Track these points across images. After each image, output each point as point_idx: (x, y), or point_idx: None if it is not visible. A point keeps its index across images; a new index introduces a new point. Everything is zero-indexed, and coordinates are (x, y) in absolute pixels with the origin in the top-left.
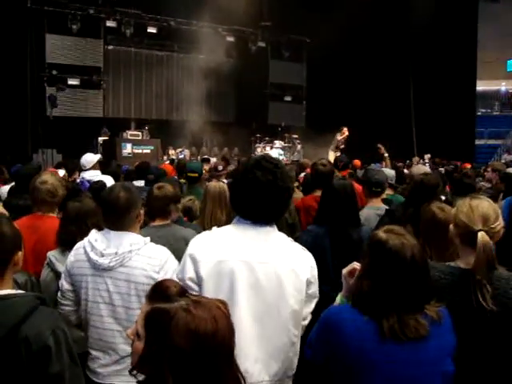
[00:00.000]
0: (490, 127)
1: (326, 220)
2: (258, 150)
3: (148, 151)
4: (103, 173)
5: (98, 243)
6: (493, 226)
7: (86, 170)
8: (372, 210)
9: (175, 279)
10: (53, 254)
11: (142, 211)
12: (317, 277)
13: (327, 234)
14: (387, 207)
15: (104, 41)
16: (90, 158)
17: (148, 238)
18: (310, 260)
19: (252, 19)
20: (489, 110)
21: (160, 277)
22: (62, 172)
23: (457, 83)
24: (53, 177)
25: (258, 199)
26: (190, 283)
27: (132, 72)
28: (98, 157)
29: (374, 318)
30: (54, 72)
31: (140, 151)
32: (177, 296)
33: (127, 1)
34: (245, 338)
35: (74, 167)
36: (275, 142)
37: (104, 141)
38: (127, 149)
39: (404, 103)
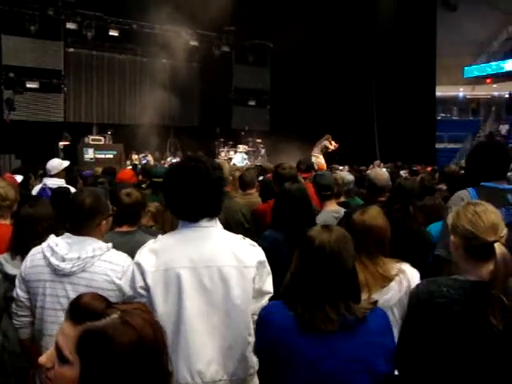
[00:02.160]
0: (449, 131)
1: (282, 224)
2: (222, 154)
3: (111, 156)
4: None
5: (58, 248)
6: (502, 235)
7: (50, 177)
8: (330, 214)
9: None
10: (3, 257)
11: (104, 221)
12: (267, 271)
13: (285, 238)
14: (345, 210)
15: (64, 43)
16: (55, 164)
17: (110, 244)
18: (257, 255)
19: (216, 24)
20: (448, 115)
21: (122, 283)
22: (19, 178)
23: (417, 89)
24: (4, 181)
25: (189, 198)
26: (140, 291)
27: (94, 76)
28: (65, 163)
29: (294, 311)
30: (11, 74)
31: (102, 156)
32: (105, 309)
33: (88, 3)
34: (196, 341)
35: (33, 173)
36: (239, 146)
37: (65, 146)
38: (89, 154)
39: (366, 108)
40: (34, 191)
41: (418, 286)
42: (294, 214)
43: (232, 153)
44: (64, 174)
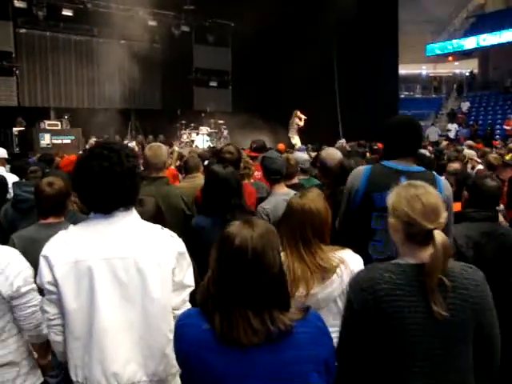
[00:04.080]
0: (412, 109)
1: (211, 210)
2: (184, 136)
3: (68, 141)
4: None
5: None
6: (442, 220)
7: None
8: (279, 197)
9: (19, 286)
10: None
11: None
12: (188, 262)
13: (214, 225)
14: (295, 192)
15: (14, 23)
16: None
17: None
18: (177, 246)
19: (175, 3)
20: (411, 93)
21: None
22: None
23: (380, 67)
24: None
25: (100, 190)
26: (48, 287)
27: (49, 58)
28: (4, 153)
29: (211, 322)
30: None
31: (60, 142)
32: None
33: None
34: (111, 340)
35: None
36: (201, 128)
37: (19, 132)
38: (45, 140)
39: (329, 87)
40: None
41: (358, 273)
42: (222, 199)
43: (194, 135)
44: (4, 162)
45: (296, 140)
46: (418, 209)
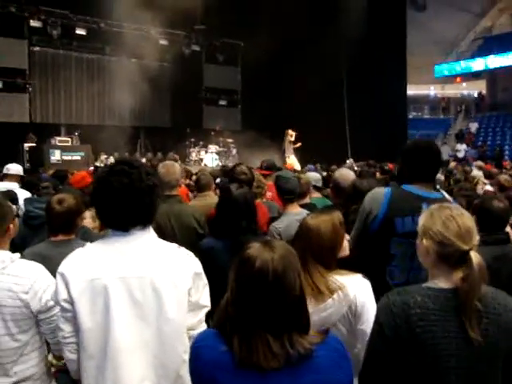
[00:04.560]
0: (421, 130)
1: (223, 232)
2: (193, 154)
3: (78, 158)
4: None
5: None
6: (476, 242)
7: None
8: (291, 217)
9: (47, 300)
10: None
11: (11, 225)
12: (204, 283)
13: (226, 248)
14: (308, 212)
15: (29, 42)
16: (11, 166)
17: (17, 255)
18: (193, 266)
19: (186, 22)
20: (419, 114)
21: (29, 297)
22: None
23: (389, 88)
24: None
25: (119, 207)
26: (64, 304)
27: (61, 75)
28: (19, 170)
29: (229, 345)
30: None
31: (70, 158)
32: None
33: (53, 0)
34: (125, 359)
35: None
36: (210, 146)
37: (30, 147)
38: (56, 156)
39: (338, 107)
40: None
41: (387, 297)
42: (235, 220)
43: (203, 153)
44: (19, 178)
45: (291, 160)
46: (453, 229)
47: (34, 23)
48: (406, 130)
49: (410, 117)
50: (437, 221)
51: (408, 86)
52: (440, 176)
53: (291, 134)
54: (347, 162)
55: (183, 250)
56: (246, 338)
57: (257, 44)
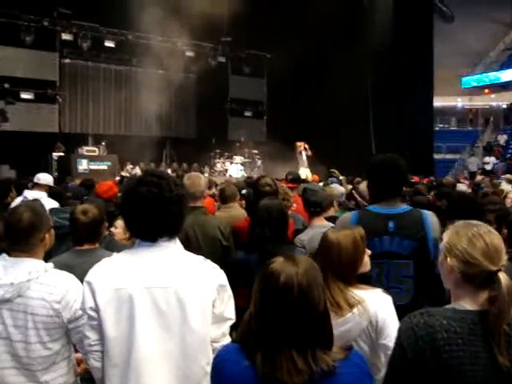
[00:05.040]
0: (447, 142)
1: (256, 245)
2: (218, 165)
3: (105, 167)
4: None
5: None
6: (504, 262)
7: (30, 189)
8: (317, 229)
9: (77, 309)
10: None
11: (47, 235)
12: (228, 295)
13: (259, 261)
14: (333, 225)
15: (60, 54)
16: (42, 176)
17: (50, 265)
18: (218, 278)
19: (212, 34)
20: (446, 126)
21: (61, 307)
22: None
23: (415, 100)
24: None
25: (148, 216)
26: (90, 312)
27: (90, 86)
28: (48, 180)
29: (252, 360)
30: (6, 85)
31: (96, 167)
32: None
33: (84, 14)
34: (148, 368)
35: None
36: (235, 157)
37: (59, 157)
38: (83, 165)
39: (363, 119)
40: (14, 203)
41: (409, 318)
42: (266, 234)
43: (228, 164)
44: (48, 188)
45: (302, 171)
46: (480, 248)
47: (65, 36)
48: (432, 143)
49: (437, 129)
50: (462, 238)
51: (435, 98)
52: (466, 189)
53: (299, 145)
54: None
55: (209, 262)
56: (269, 353)
57: (282, 55)
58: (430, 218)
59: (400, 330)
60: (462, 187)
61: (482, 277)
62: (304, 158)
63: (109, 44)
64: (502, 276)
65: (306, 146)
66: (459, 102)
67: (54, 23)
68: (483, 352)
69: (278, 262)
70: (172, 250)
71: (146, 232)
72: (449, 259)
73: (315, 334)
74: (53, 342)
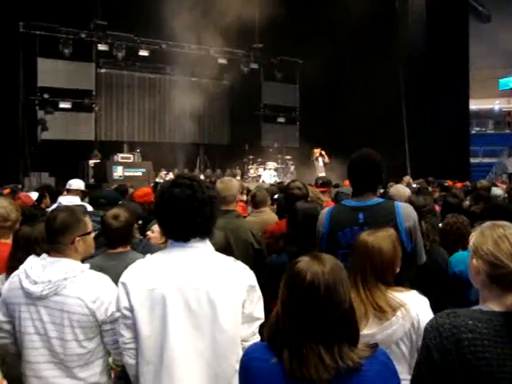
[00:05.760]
0: (484, 146)
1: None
2: (251, 171)
3: (139, 174)
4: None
5: (32, 270)
6: None
7: (65, 195)
8: None
9: (113, 311)
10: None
11: (80, 239)
12: (258, 296)
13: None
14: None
15: (96, 64)
16: (73, 182)
17: (87, 265)
18: (248, 279)
19: (244, 41)
20: (483, 129)
21: (95, 307)
22: (34, 195)
23: (450, 102)
24: (6, 201)
25: (181, 216)
26: (125, 312)
27: (124, 95)
28: (79, 185)
29: (279, 357)
30: (46, 95)
31: (131, 174)
32: None
33: (119, 25)
34: (179, 366)
35: (47, 192)
36: (268, 163)
37: (95, 164)
38: (118, 172)
39: (397, 123)
40: (50, 210)
41: (435, 319)
42: (303, 235)
43: (261, 170)
44: (81, 193)
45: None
46: (505, 250)
47: (101, 47)
48: (468, 146)
49: (473, 132)
50: (488, 240)
51: (471, 101)
52: (502, 193)
53: (316, 152)
54: (403, 178)
55: (239, 263)
56: (296, 349)
57: (315, 61)
58: (403, 208)
59: (426, 331)
60: (498, 191)
61: (509, 278)
62: (321, 164)
63: (143, 53)
64: None
65: (323, 152)
66: (496, 105)
67: (90, 35)
68: (510, 354)
69: (304, 261)
70: (203, 250)
71: (179, 232)
72: (475, 260)
73: (341, 330)
74: (87, 340)
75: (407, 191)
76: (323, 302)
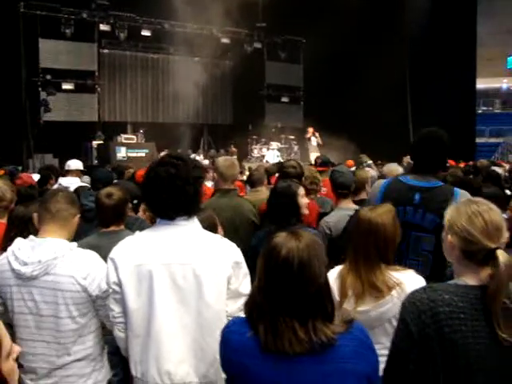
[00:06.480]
0: (491, 125)
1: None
2: (255, 151)
3: (143, 154)
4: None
5: (20, 252)
6: (504, 240)
7: (64, 176)
8: (343, 211)
9: (103, 285)
10: None
11: (76, 218)
12: (244, 272)
13: (263, 237)
14: (358, 208)
15: (98, 45)
16: (71, 163)
17: (74, 244)
18: (234, 256)
19: (247, 20)
20: (490, 108)
21: (87, 283)
22: (36, 177)
23: (456, 81)
24: (0, 181)
25: (165, 195)
26: (114, 287)
27: (127, 75)
28: (78, 165)
29: (255, 330)
30: (48, 77)
31: (135, 155)
32: None
33: (121, 4)
34: (166, 340)
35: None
36: (271, 143)
37: (98, 145)
38: (121, 152)
39: (401, 102)
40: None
41: (413, 294)
42: (279, 214)
43: (265, 150)
44: (80, 173)
45: (312, 157)
46: (478, 226)
47: (103, 27)
48: (474, 126)
49: (480, 111)
50: (462, 216)
51: (477, 80)
52: (502, 172)
53: (308, 131)
54: (404, 158)
55: (225, 240)
56: (271, 323)
57: (319, 40)
58: (461, 195)
59: (403, 306)
60: (498, 170)
61: (481, 254)
62: (314, 143)
63: (145, 33)
64: (501, 254)
65: (316, 133)
66: (504, 84)
67: (92, 15)
68: (485, 326)
69: (281, 237)
70: (189, 228)
71: (164, 210)
72: (450, 236)
73: (316, 306)
74: (81, 316)
75: (399, 169)
76: (297, 277)
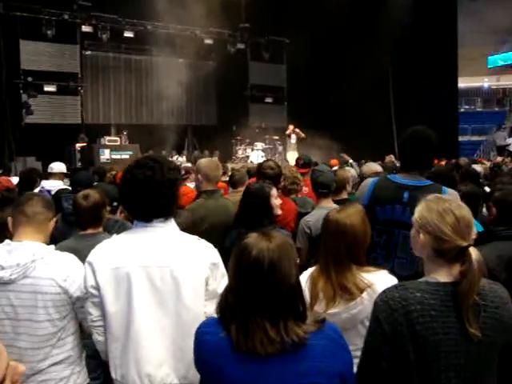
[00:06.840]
0: (473, 124)
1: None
2: (239, 151)
3: (127, 157)
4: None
5: None
6: (473, 236)
7: (47, 179)
8: (323, 211)
9: (83, 287)
10: None
11: (52, 222)
12: (222, 273)
13: (236, 238)
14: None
15: (80, 46)
16: (54, 165)
17: (52, 247)
18: (211, 257)
19: (230, 21)
20: (472, 107)
21: (67, 285)
22: (15, 179)
23: (438, 80)
24: None
25: (141, 198)
26: (92, 290)
27: (111, 77)
28: (62, 168)
29: (228, 331)
30: (30, 79)
31: (118, 157)
32: None
33: (103, 5)
34: (146, 343)
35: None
36: (256, 143)
37: (82, 147)
38: (105, 155)
39: (384, 101)
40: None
41: (385, 292)
42: (251, 213)
43: (249, 150)
44: (63, 176)
45: (289, 155)
46: (450, 223)
47: (85, 29)
48: (457, 125)
49: (462, 110)
50: (433, 213)
51: (459, 79)
52: (480, 170)
53: (288, 127)
54: (386, 157)
55: (203, 241)
56: (242, 324)
57: (302, 40)
58: (449, 194)
59: (376, 305)
60: (477, 168)
61: (453, 252)
62: (293, 141)
63: (128, 34)
64: (473, 251)
65: (297, 129)
66: (485, 82)
67: (73, 16)
68: (455, 322)
69: (252, 238)
70: (166, 230)
71: (141, 213)
72: (421, 235)
73: (287, 306)
74: (60, 319)
75: (378, 168)
76: (268, 278)
